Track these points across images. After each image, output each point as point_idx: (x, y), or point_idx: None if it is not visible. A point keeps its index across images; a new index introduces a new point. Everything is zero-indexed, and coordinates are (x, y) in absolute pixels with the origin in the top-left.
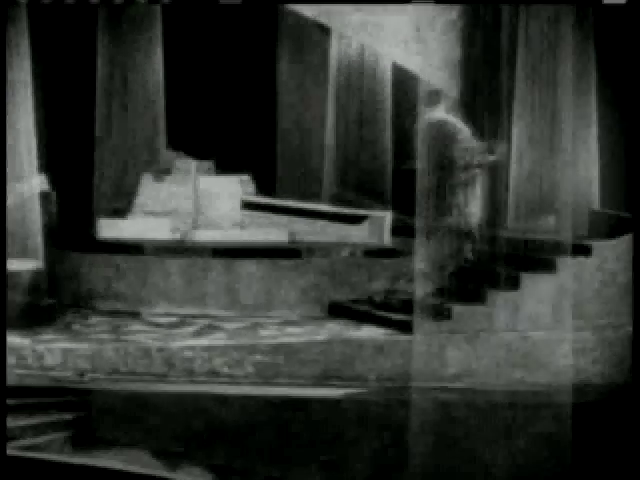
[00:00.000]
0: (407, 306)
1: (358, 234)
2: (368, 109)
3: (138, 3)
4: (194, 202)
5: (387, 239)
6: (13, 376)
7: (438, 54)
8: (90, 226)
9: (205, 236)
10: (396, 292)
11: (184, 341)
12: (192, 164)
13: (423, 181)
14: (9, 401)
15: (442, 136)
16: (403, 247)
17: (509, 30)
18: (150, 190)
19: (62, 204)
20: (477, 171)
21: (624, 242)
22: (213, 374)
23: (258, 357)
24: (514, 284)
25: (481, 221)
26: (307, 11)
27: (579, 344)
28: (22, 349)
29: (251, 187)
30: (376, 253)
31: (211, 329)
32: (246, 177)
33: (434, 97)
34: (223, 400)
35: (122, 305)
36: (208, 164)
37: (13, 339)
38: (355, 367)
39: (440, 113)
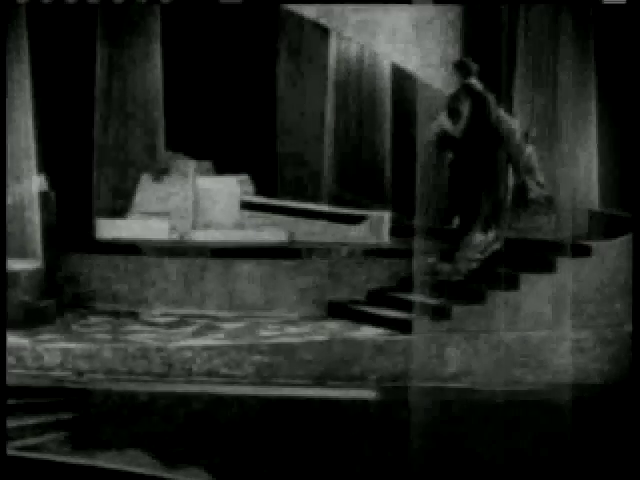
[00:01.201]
0: (473, 275)
1: (357, 234)
2: (367, 109)
3: (138, 3)
4: (193, 202)
5: (386, 239)
6: (12, 376)
7: (437, 54)
8: (89, 226)
9: (204, 236)
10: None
11: (183, 341)
12: (191, 164)
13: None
14: (8, 401)
15: (493, 107)
16: (402, 246)
17: (508, 30)
18: (149, 190)
19: (61, 204)
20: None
21: (624, 242)
22: (212, 374)
23: (257, 357)
24: (514, 284)
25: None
26: (307, 11)
27: (579, 343)
28: (21, 349)
29: (250, 187)
30: (375, 253)
31: (210, 329)
32: (245, 177)
33: (470, 66)
34: (222, 400)
35: (121, 305)
36: (207, 164)
37: (12, 339)
38: (355, 367)
39: (479, 85)
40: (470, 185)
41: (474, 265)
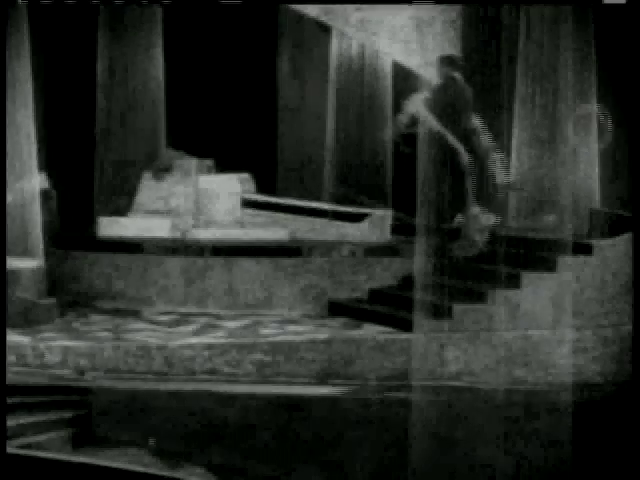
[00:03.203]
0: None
1: (358, 232)
2: (368, 107)
3: (138, 3)
4: (194, 201)
5: (387, 237)
6: (13, 374)
7: (438, 53)
8: (90, 225)
9: (205, 234)
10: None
11: (184, 340)
12: (192, 163)
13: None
14: (9, 399)
15: (471, 103)
16: (404, 245)
17: (509, 30)
18: (150, 189)
19: (62, 202)
20: None
21: (624, 241)
22: (213, 373)
23: (258, 356)
24: (515, 283)
25: None
26: (308, 10)
27: (579, 343)
28: (22, 347)
29: (251, 185)
30: (376, 251)
31: (211, 328)
32: (246, 175)
33: (457, 61)
34: (223, 399)
35: (122, 303)
36: (208, 163)
37: (13, 337)
38: (355, 366)
39: (462, 80)
40: (454, 169)
41: (481, 246)
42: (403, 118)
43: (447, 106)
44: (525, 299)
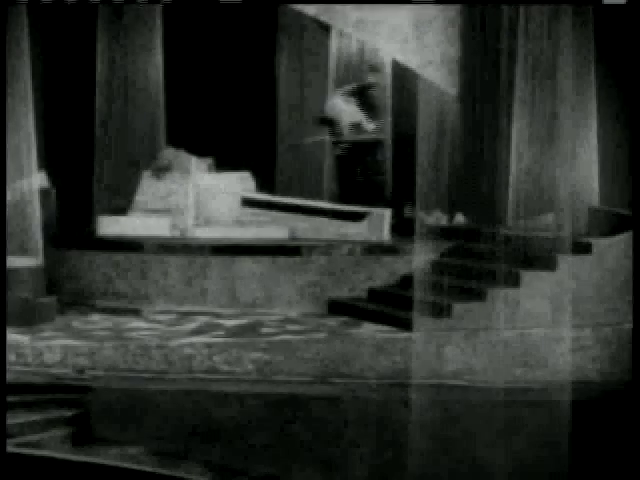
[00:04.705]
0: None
1: (358, 231)
2: None
3: (138, 2)
4: (194, 199)
5: (387, 236)
6: (13, 373)
7: (437, 51)
8: (90, 223)
9: (205, 233)
10: None
11: (184, 338)
12: (192, 161)
13: None
14: (9, 398)
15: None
16: (403, 244)
17: (509, 28)
18: (150, 187)
19: (62, 201)
20: None
21: (624, 240)
22: (213, 371)
23: (258, 354)
24: (514, 281)
25: None
26: (308, 9)
27: (578, 342)
28: (22, 346)
29: (251, 184)
30: (376, 250)
31: (211, 326)
32: (246, 174)
33: (380, 69)
34: (222, 398)
35: (122, 302)
36: (208, 161)
37: (13, 336)
38: (354, 365)
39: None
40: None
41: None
42: (345, 127)
43: (369, 106)
44: (524, 298)
